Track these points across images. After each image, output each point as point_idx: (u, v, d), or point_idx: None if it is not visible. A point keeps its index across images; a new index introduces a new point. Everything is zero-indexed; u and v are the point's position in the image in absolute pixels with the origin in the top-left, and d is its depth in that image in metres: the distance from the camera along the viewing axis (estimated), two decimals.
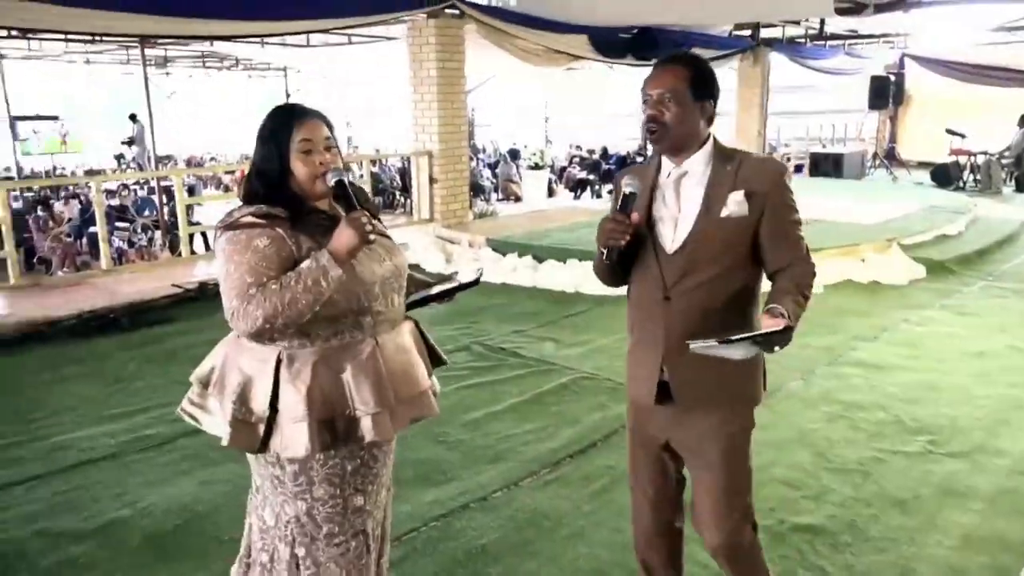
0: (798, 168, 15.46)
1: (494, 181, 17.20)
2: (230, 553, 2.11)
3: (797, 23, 12.55)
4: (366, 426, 1.77)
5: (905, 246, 7.22)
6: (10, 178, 16.88)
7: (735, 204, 1.85)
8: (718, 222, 1.86)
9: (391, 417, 1.81)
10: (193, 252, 7.75)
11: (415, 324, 2.01)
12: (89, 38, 12.79)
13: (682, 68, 1.87)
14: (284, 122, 1.79)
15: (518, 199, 16.50)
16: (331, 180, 1.75)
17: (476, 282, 2.06)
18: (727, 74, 12.63)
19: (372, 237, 1.71)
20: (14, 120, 15.84)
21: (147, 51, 17.89)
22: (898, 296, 6.29)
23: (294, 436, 1.73)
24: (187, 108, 25.26)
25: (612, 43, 9.29)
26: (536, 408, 4.07)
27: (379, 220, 1.97)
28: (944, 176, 12.55)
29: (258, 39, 11.01)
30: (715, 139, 1.93)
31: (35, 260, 9.79)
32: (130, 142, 17.07)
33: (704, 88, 1.88)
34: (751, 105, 12.45)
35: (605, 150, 20.04)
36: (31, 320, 5.42)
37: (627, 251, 1.91)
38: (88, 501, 3.18)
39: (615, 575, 2.65)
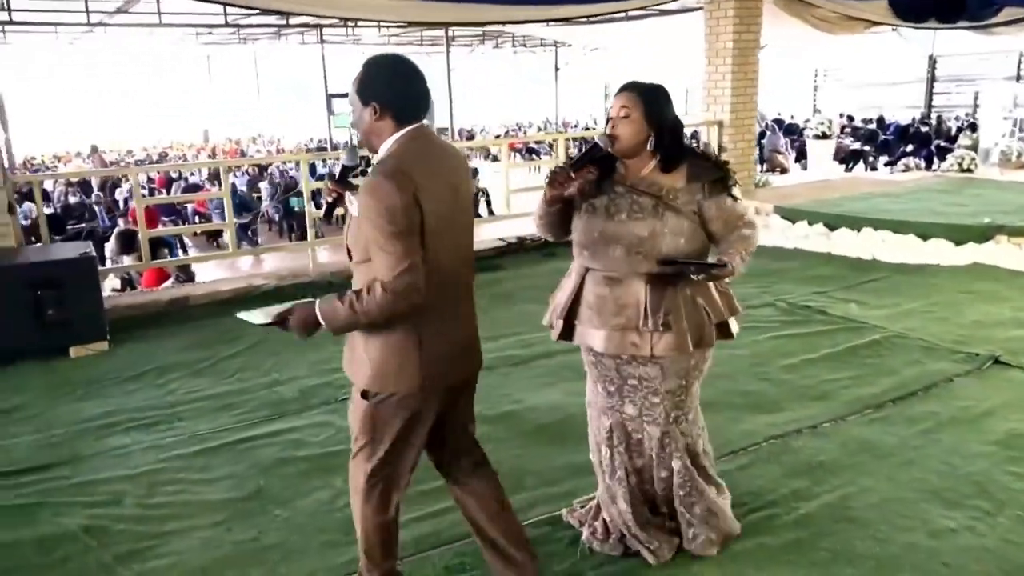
0: None
1: (759, 152, 16.99)
2: None
3: None
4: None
5: None
6: (324, 148, 19.66)
7: (352, 203, 2.01)
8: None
9: (564, 330, 2.58)
10: (478, 215, 8.78)
11: (648, 285, 2.35)
12: (402, 25, 14.54)
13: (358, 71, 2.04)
14: None
15: (784, 170, 16.18)
16: None
17: (723, 265, 2.31)
18: None
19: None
20: (330, 97, 18.38)
21: (434, 32, 19.77)
22: None
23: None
24: (461, 84, 27.34)
25: (914, 6, 8.91)
26: (851, 359, 4.39)
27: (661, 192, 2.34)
28: None
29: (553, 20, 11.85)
30: (397, 140, 2.00)
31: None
32: None
33: (363, 91, 2.01)
34: None
35: (881, 119, 18.89)
36: None
37: None
38: (484, 397, 3.98)
39: (949, 496, 2.97)
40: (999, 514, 2.85)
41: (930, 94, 19.00)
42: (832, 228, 7.05)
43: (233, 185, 14.41)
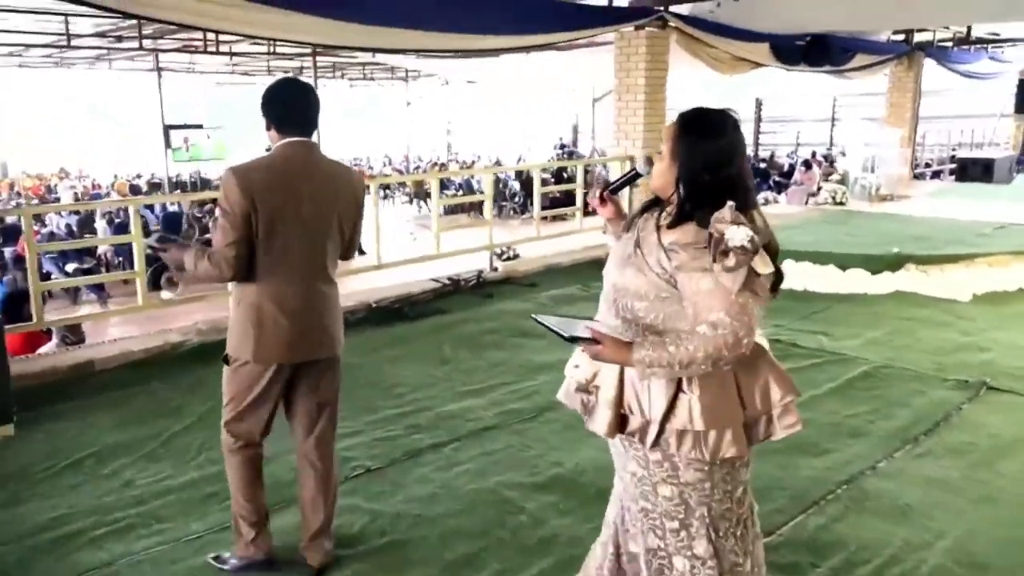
0: (936, 175, 15.40)
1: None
2: None
3: (946, 27, 12.58)
4: None
5: None
6: (158, 185, 17.97)
7: None
8: None
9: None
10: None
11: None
12: (266, 48, 13.64)
13: None
14: None
15: None
16: None
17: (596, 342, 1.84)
18: (879, 80, 12.73)
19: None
20: (168, 128, 16.86)
21: (283, 63, 18.81)
22: None
23: None
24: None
25: (790, 51, 9.58)
26: (855, 392, 4.39)
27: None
28: None
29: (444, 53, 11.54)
30: (275, 148, 2.48)
31: None
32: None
33: (262, 107, 2.51)
34: (902, 110, 12.53)
35: None
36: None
37: None
38: (516, 462, 3.61)
39: None
40: None
41: (757, 133, 20.62)
42: None
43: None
